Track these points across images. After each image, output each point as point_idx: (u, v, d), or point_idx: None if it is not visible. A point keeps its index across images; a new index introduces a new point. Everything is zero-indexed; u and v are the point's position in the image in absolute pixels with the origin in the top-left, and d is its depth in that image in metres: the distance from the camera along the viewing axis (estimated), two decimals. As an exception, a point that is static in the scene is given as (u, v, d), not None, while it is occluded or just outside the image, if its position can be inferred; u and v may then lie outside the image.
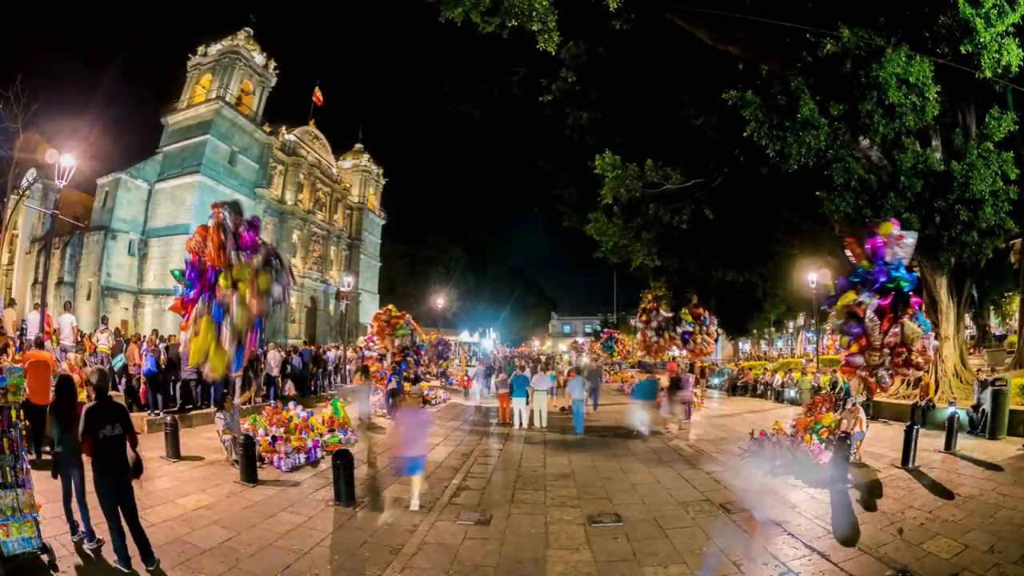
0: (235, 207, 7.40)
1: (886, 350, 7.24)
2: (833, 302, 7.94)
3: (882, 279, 7.35)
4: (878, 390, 8.09)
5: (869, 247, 7.54)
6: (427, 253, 64.27)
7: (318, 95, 43.01)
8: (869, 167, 11.03)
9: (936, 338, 7.94)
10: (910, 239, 7.65)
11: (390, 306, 19.81)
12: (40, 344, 8.11)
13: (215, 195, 34.78)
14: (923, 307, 8.00)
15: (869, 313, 7.33)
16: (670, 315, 17.87)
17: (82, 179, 26.29)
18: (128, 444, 4.68)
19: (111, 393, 7.22)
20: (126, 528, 4.52)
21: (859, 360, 7.49)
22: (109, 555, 4.61)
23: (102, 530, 4.69)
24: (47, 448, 7.26)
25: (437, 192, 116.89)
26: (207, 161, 34.23)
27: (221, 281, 6.83)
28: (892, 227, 7.63)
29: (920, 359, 7.29)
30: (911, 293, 7.42)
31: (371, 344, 19.37)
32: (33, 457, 7.13)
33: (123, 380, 11.31)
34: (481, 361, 28.87)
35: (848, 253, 8.02)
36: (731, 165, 15.03)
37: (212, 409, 11.14)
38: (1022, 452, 8.65)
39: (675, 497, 7.26)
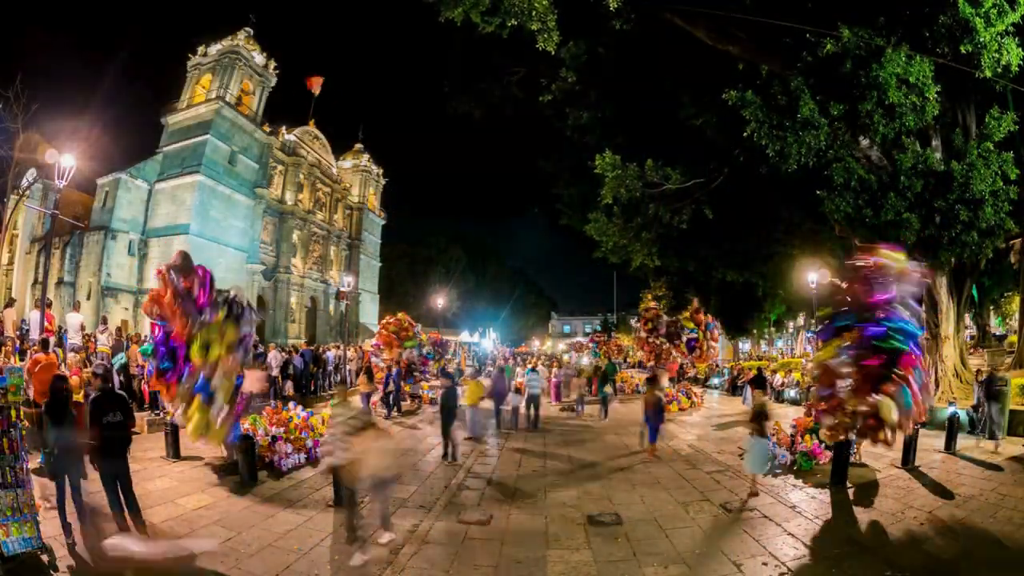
0: (180, 267, 6.71)
1: (858, 416, 6.24)
2: (824, 337, 6.84)
3: (874, 334, 6.11)
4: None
5: (872, 302, 6.25)
6: (427, 253, 64.17)
7: (314, 82, 41.70)
8: (869, 167, 11.03)
9: (929, 376, 6.72)
10: (914, 271, 6.55)
11: (400, 315, 18.73)
12: (45, 346, 8.11)
13: (215, 195, 34.87)
14: (924, 364, 6.63)
15: (840, 384, 6.28)
16: (673, 319, 17.41)
17: (82, 179, 26.24)
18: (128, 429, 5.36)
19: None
20: (122, 497, 5.08)
21: (829, 421, 6.57)
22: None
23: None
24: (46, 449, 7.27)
25: (437, 192, 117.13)
26: (207, 161, 34.21)
27: (193, 354, 6.41)
28: (900, 257, 6.49)
29: (890, 438, 6.25)
30: (908, 351, 6.13)
31: (378, 351, 19.07)
32: (40, 464, 7.15)
33: (122, 378, 11.31)
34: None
35: (847, 295, 6.75)
36: (731, 165, 15.04)
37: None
38: (1022, 452, 8.66)
39: (675, 497, 7.27)
